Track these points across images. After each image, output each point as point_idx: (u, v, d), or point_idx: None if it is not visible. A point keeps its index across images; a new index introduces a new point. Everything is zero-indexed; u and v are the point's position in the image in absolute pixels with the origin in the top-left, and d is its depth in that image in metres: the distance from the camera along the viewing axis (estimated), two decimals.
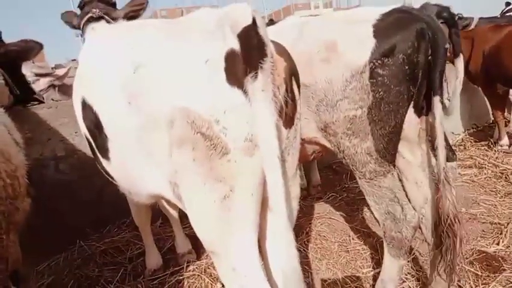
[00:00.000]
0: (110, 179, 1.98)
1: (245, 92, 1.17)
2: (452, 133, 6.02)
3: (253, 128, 1.19)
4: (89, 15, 2.40)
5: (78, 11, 2.56)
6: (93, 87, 1.63)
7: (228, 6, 1.28)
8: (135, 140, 1.40)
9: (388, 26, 1.77)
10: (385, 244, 2.07)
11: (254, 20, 1.16)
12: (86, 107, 1.68)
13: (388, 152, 1.87)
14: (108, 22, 2.47)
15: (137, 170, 1.52)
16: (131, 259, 3.07)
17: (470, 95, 5.93)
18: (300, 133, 1.49)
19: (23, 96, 2.96)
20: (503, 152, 4.99)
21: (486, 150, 5.16)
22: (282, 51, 1.36)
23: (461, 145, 5.53)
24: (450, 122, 5.99)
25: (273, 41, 1.33)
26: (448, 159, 2.72)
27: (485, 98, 5.58)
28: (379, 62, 1.74)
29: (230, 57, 1.19)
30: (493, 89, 5.03)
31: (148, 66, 1.33)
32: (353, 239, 3.12)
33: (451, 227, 1.90)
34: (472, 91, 5.77)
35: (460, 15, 5.80)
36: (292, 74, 1.37)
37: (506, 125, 5.34)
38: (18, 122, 2.00)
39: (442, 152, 1.85)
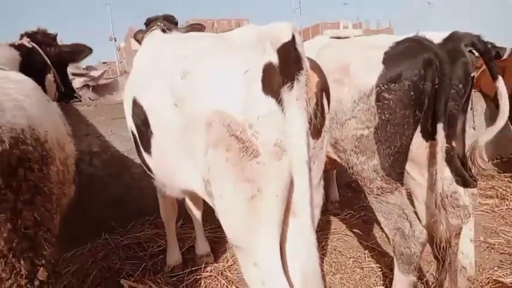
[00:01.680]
0: (148, 172, 2.14)
1: (279, 102, 1.30)
2: None
3: (283, 135, 1.31)
4: (153, 28, 2.63)
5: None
6: (145, 88, 1.83)
7: (270, 24, 1.43)
8: (177, 138, 1.56)
9: (398, 53, 1.91)
10: (395, 260, 2.13)
11: (293, 37, 1.29)
12: (136, 105, 1.88)
13: (394, 170, 1.98)
14: None
15: (175, 165, 1.67)
16: (152, 255, 3.20)
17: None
18: (326, 145, 1.61)
19: (66, 93, 3.19)
20: None
21: (509, 181, 5.09)
22: (315, 67, 1.49)
23: (484, 175, 5.47)
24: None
25: (308, 58, 1.46)
26: (468, 185, 2.76)
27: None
28: (385, 86, 1.88)
29: (267, 69, 1.32)
30: None
31: (194, 74, 1.49)
32: (368, 256, 3.16)
33: (443, 251, 1.99)
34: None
35: (493, 44, 5.84)
36: (323, 89, 1.49)
37: None
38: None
39: (440, 178, 1.98)
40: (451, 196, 2.80)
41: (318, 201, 1.71)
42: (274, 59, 1.31)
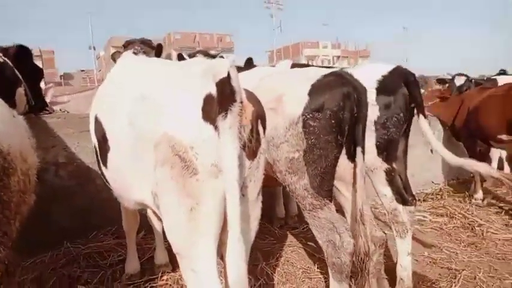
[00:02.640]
0: (106, 183, 2.31)
1: (216, 128, 1.52)
2: (432, 182, 6.37)
3: (219, 157, 1.53)
4: (130, 51, 2.81)
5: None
6: (107, 105, 2.08)
7: (214, 60, 1.67)
8: (130, 154, 1.75)
9: (322, 86, 2.21)
10: (329, 270, 2.36)
11: (229, 74, 1.52)
12: (97, 120, 2.11)
13: (322, 188, 2.25)
14: None
15: (129, 178, 1.86)
16: (112, 264, 3.32)
17: (455, 148, 6.32)
18: (262, 165, 1.83)
19: (37, 105, 3.33)
20: (476, 205, 5.30)
21: (460, 201, 5.48)
22: (252, 98, 1.73)
23: (438, 194, 5.86)
24: (431, 172, 6.36)
25: (246, 90, 1.70)
26: (406, 203, 3.05)
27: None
28: (310, 115, 2.18)
29: (207, 99, 1.55)
30: (473, 145, 5.47)
31: (149, 98, 1.70)
32: (318, 267, 3.38)
33: (362, 262, 2.25)
34: (456, 145, 6.18)
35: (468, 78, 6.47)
36: (259, 117, 1.73)
37: (483, 181, 5.65)
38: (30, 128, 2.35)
39: (360, 194, 2.28)
40: (391, 213, 3.09)
41: (257, 214, 1.92)
42: (214, 91, 1.54)
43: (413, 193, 3.22)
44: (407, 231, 3.06)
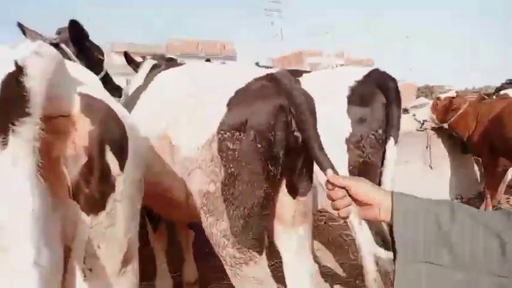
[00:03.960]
0: None
1: None
2: None
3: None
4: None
5: None
6: None
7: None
8: None
9: (247, 95, 1.48)
10: None
11: (19, 67, 0.82)
12: None
13: (246, 236, 1.51)
14: None
15: None
16: None
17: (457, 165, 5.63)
18: (124, 220, 1.12)
19: None
20: None
21: None
22: (93, 109, 1.01)
23: None
24: (430, 191, 5.60)
25: (85, 95, 1.00)
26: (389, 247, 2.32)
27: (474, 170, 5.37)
28: (228, 134, 1.43)
29: None
30: (494, 161, 4.71)
31: None
32: None
33: None
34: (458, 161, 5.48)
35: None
36: (106, 142, 1.01)
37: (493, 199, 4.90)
38: None
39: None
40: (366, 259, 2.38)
41: None
42: None
43: None
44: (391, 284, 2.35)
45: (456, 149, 5.59)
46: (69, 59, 2.72)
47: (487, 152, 4.73)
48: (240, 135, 1.42)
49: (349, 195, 1.05)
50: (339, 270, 3.37)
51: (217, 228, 1.51)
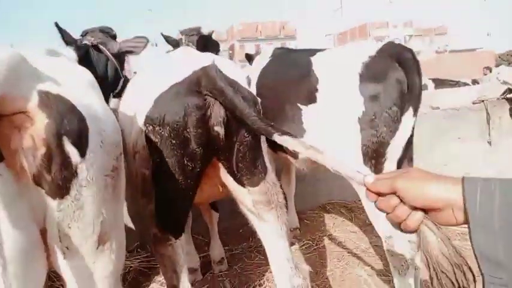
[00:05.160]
0: None
1: None
2: None
3: None
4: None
5: None
6: None
7: None
8: None
9: (168, 92, 1.55)
10: None
11: None
12: None
13: (167, 220, 1.70)
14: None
15: None
16: None
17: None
18: (92, 203, 1.23)
19: None
20: None
21: None
22: (49, 104, 1.11)
23: None
24: (494, 168, 5.04)
25: (43, 91, 1.11)
26: None
27: None
28: (151, 127, 1.55)
29: None
30: None
31: None
32: None
33: None
34: None
35: None
36: (63, 133, 1.11)
37: None
38: None
39: None
40: (385, 242, 2.29)
41: (104, 272, 1.34)
42: None
43: None
44: (407, 268, 2.25)
45: None
46: (107, 58, 2.98)
47: None
48: (160, 130, 1.53)
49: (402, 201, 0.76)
50: (372, 250, 3.28)
51: (148, 208, 1.69)
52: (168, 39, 3.73)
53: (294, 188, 3.66)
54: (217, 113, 1.51)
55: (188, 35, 3.69)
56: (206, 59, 1.66)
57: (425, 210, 0.74)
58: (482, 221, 0.62)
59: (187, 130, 1.52)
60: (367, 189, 0.82)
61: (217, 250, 3.00)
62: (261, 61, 3.04)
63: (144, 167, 1.60)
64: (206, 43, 3.70)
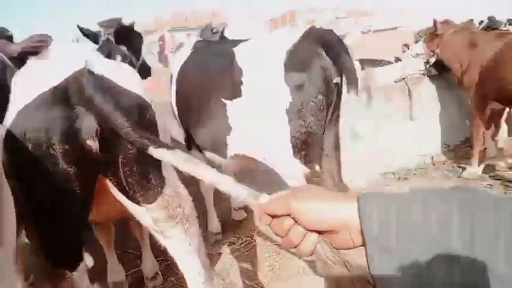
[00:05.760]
0: None
1: None
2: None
3: None
4: None
5: None
6: None
7: None
8: None
9: (32, 103, 1.36)
10: None
11: None
12: None
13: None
14: None
15: None
16: None
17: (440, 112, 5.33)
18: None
19: None
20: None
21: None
22: None
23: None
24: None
25: None
26: None
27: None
28: (13, 144, 1.33)
29: None
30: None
31: None
32: None
33: None
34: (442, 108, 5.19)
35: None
36: None
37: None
38: None
39: None
40: None
41: None
42: None
43: None
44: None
45: (440, 93, 5.29)
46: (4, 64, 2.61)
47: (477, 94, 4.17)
48: (22, 148, 1.29)
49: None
50: None
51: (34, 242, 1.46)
52: (85, 32, 3.34)
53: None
54: (88, 125, 1.30)
55: (107, 26, 3.33)
56: (79, 62, 1.40)
57: (321, 232, 0.68)
58: (379, 243, 0.57)
59: (53, 147, 1.28)
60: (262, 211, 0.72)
61: (149, 264, 2.70)
62: (181, 56, 2.83)
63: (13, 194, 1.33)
64: (127, 35, 3.41)
